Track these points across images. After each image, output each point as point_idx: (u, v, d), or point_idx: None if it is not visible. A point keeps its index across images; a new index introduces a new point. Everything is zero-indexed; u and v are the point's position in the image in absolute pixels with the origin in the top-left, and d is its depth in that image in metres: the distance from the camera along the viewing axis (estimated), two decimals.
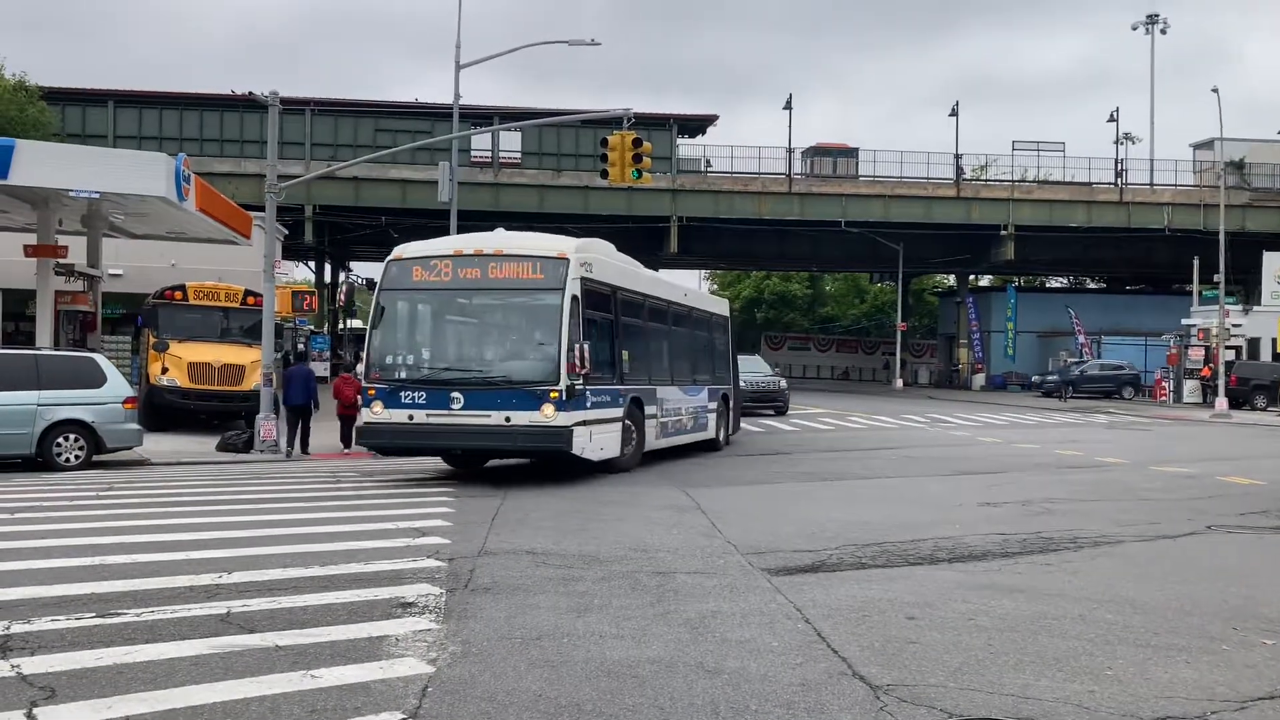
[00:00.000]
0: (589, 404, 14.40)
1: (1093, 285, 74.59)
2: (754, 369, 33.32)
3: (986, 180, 56.56)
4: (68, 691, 4.87)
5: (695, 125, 51.99)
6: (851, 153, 54.67)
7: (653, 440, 17.26)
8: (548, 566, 8.23)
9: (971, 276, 66.93)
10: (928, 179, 52.81)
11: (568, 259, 14.31)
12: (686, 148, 51.72)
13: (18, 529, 9.67)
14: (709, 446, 20.46)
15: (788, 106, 53.06)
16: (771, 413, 32.50)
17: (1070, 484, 15.26)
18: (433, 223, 38.94)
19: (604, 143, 21.35)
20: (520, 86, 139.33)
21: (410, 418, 13.96)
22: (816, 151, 53.98)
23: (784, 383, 34.12)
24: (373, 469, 16.77)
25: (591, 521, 10.82)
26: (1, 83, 38.17)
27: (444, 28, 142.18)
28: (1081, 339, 53.98)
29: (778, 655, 5.81)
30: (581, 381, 14.05)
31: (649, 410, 17.04)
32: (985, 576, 8.18)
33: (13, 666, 5.23)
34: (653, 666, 5.53)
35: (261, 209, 27.12)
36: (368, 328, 15.00)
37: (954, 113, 54.68)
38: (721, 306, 23.85)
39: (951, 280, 70.56)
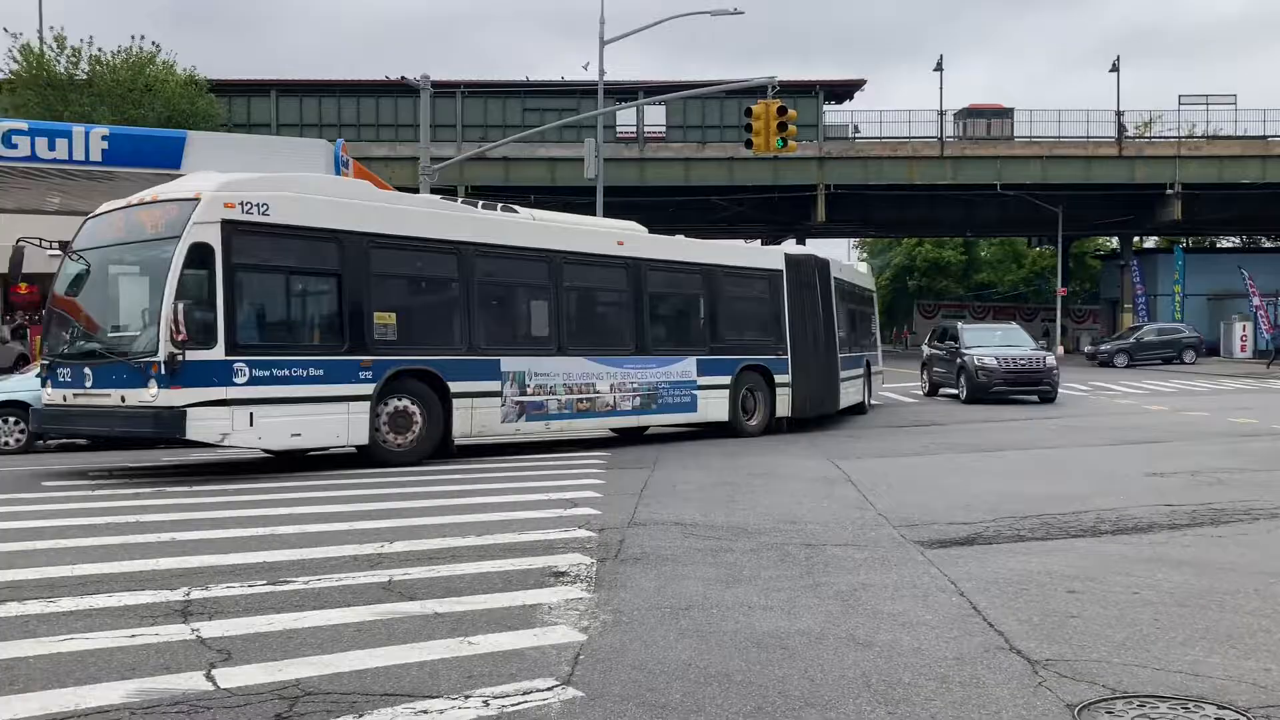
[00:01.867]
0: (245, 379, 11.74)
1: (1268, 244, 70.53)
2: (1008, 341, 27.25)
3: (1150, 138, 53.96)
4: (242, 654, 5.13)
5: (842, 91, 51.11)
6: (1006, 113, 52.88)
7: (495, 425, 14.37)
8: (696, 538, 8.26)
9: (1136, 238, 64.10)
10: (1087, 138, 50.75)
11: (199, 199, 11.68)
12: (833, 114, 50.93)
13: (196, 501, 10.21)
14: (728, 430, 17.69)
15: (938, 68, 51.67)
16: (1036, 399, 25.86)
17: (1244, 453, 14.52)
18: (580, 199, 39.41)
19: (748, 112, 21.21)
20: (664, 60, 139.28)
21: (64, 398, 12.35)
22: (969, 113, 52.42)
23: (1051, 359, 26.33)
24: (522, 440, 17.11)
25: (740, 493, 10.81)
26: (174, 77, 40.16)
27: (588, 6, 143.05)
28: (1256, 301, 51.09)
29: (931, 629, 5.70)
30: (223, 351, 11.53)
31: (472, 388, 13.99)
32: (1151, 549, 7.86)
33: (193, 630, 5.54)
34: (802, 638, 5.50)
35: (417, 191, 27.96)
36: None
37: (1115, 68, 52.29)
38: (775, 260, 19.18)
39: (1114, 243, 67.66)
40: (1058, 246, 59.26)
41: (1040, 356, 26.25)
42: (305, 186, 12.91)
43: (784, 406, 18.70)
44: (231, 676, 4.81)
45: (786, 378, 18.70)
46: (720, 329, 17.75)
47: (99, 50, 38.73)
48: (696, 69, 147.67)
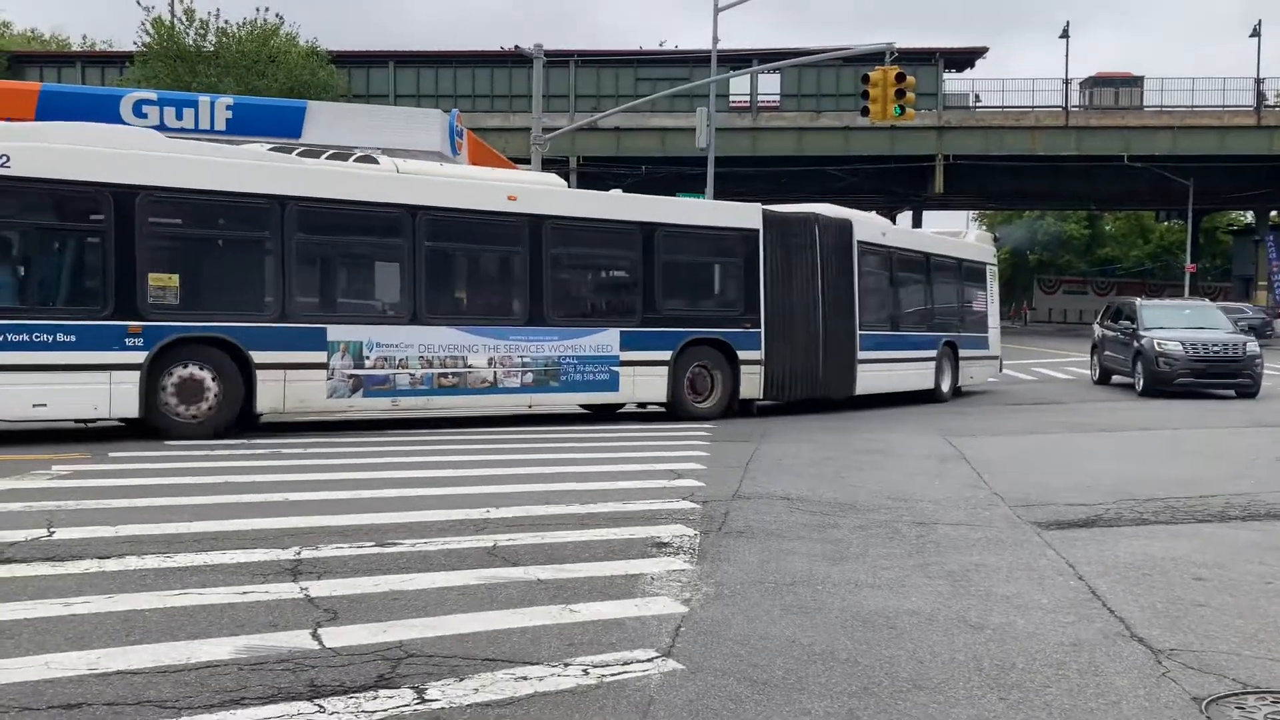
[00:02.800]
0: None
1: None
2: (1198, 322, 23.07)
3: None
4: (348, 614, 5.18)
5: (962, 59, 49.81)
6: (1135, 81, 50.91)
7: (318, 400, 12.97)
8: (802, 512, 8.12)
9: (1273, 213, 61.19)
10: (1223, 107, 48.59)
11: None
12: (953, 83, 49.71)
13: (308, 463, 10.42)
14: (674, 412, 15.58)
15: (1064, 35, 49.92)
16: (1233, 394, 21.66)
17: None
18: (691, 170, 39.21)
19: (865, 79, 20.75)
20: (778, 27, 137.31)
21: None
22: (1096, 82, 50.60)
23: (1254, 345, 21.94)
24: (629, 410, 17.10)
25: (849, 469, 10.62)
26: (296, 49, 41.09)
27: None
28: None
29: (1047, 613, 5.49)
30: None
31: (284, 358, 12.61)
32: None
33: (301, 589, 5.62)
34: (911, 618, 5.34)
35: (529, 161, 28.09)
36: None
37: (1255, 33, 49.87)
38: (747, 219, 16.40)
39: (1249, 217, 64.73)
40: (1188, 221, 57.00)
41: (1239, 342, 21.77)
42: (67, 136, 11.72)
43: (752, 387, 16.13)
44: (337, 636, 4.86)
45: (756, 354, 16.11)
46: (658, 297, 15.32)
47: (226, 23, 39.86)
48: (811, 37, 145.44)
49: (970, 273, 22.04)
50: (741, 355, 15.99)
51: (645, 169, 46.17)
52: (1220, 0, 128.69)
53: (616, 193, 16.78)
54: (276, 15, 41.36)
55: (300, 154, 13.96)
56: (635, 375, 15.10)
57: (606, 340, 14.84)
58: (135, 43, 41.08)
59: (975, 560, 6.64)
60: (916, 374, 19.54)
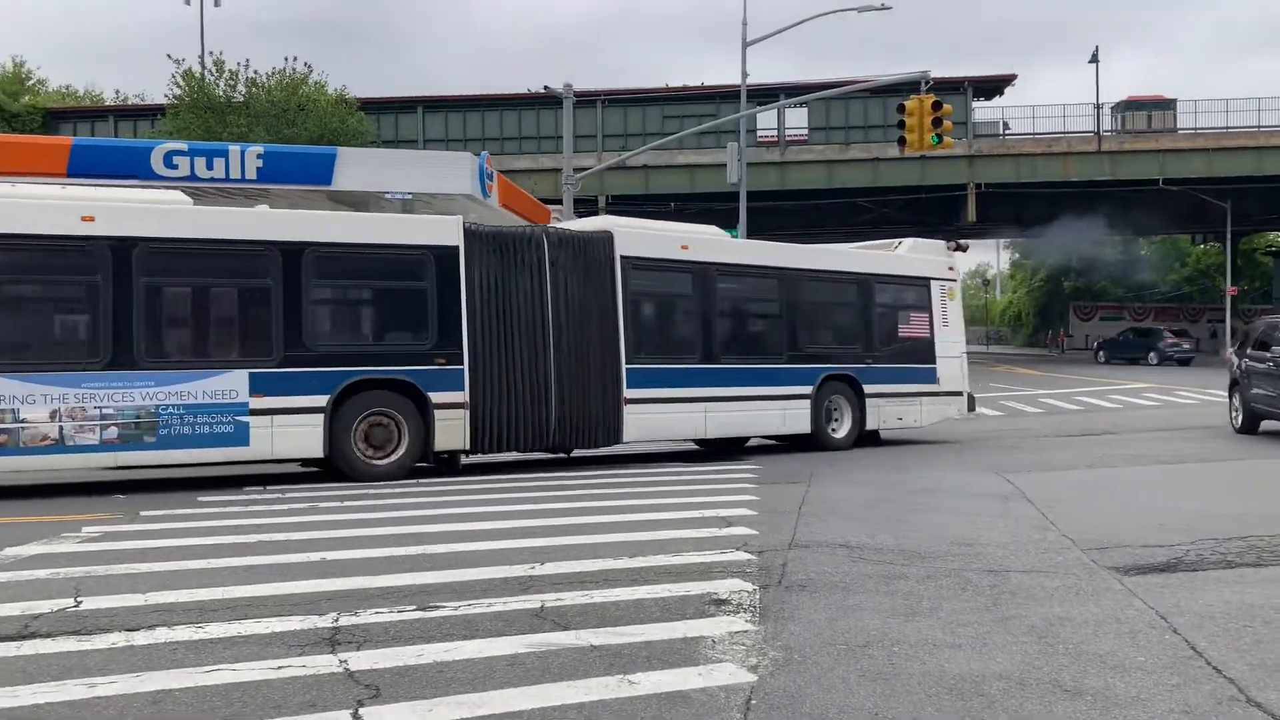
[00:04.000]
0: None
1: None
2: None
3: None
4: (390, 691, 4.82)
5: (991, 87, 49.46)
6: (1168, 104, 50.32)
7: None
8: (865, 562, 7.69)
9: None
10: (1258, 128, 47.89)
11: None
12: (982, 111, 49.31)
13: (347, 518, 10.09)
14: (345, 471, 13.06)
15: (1094, 60, 49.57)
16: None
17: None
18: (720, 205, 38.97)
19: (900, 108, 20.44)
20: (803, 62, 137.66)
21: None
22: (1128, 106, 50.07)
23: None
24: (672, 451, 16.70)
25: (907, 511, 10.17)
26: (325, 97, 41.29)
27: (724, 13, 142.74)
28: None
29: (1147, 673, 5.04)
30: None
31: None
32: None
33: (340, 662, 5.26)
34: (1000, 683, 4.90)
35: (559, 202, 27.92)
36: None
37: None
38: (440, 234, 13.73)
39: None
40: (1226, 244, 56.11)
41: None
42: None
43: (452, 437, 13.46)
44: (379, 715, 4.50)
45: (457, 396, 13.40)
46: (306, 331, 12.93)
47: (255, 73, 40.09)
48: (836, 70, 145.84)
49: (896, 291, 18.12)
50: (435, 398, 13.27)
51: (674, 206, 46.01)
52: (1250, 19, 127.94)
53: (262, 208, 14.36)
54: (305, 64, 41.60)
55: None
56: (274, 427, 12.60)
57: (228, 384, 12.42)
58: (166, 95, 41.37)
59: (1058, 612, 6.20)
60: (770, 416, 16.26)
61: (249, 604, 6.44)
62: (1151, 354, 52.35)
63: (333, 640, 5.66)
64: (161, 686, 4.89)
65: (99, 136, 43.37)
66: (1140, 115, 49.69)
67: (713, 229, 17.93)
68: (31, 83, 59.50)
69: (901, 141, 20.39)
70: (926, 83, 21.11)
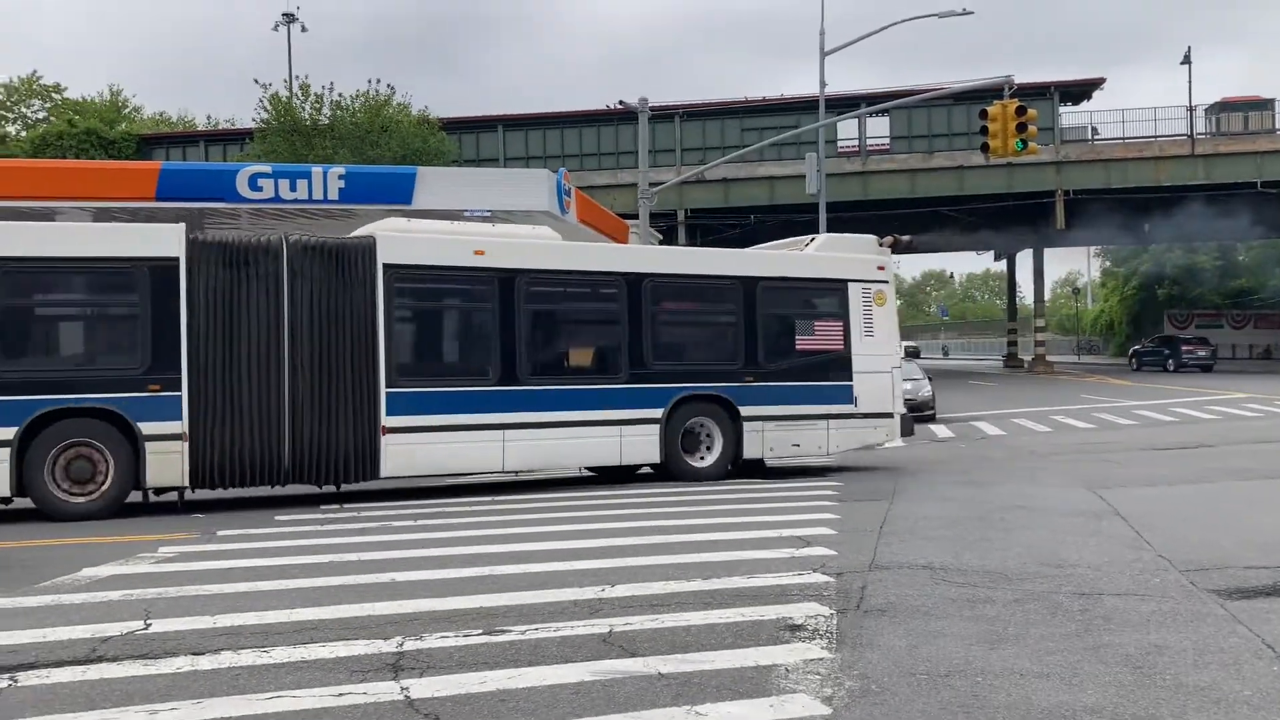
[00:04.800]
0: None
1: None
2: None
3: None
4: None
5: (1078, 91, 48.28)
6: (1265, 104, 48.58)
7: None
8: (948, 584, 7.37)
9: None
10: None
11: None
12: (1069, 116, 48.16)
13: (418, 537, 10.04)
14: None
15: (1186, 60, 48.15)
16: None
17: None
18: (800, 217, 38.58)
19: (983, 114, 19.97)
20: (881, 70, 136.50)
21: None
22: (1223, 107, 48.45)
23: None
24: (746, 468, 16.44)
25: (993, 530, 9.79)
26: (408, 118, 41.84)
27: (799, 23, 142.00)
28: None
29: (1255, 709, 4.68)
30: None
31: None
32: None
33: (402, 689, 5.14)
34: (1091, 717, 4.59)
35: (637, 216, 27.84)
36: None
37: None
38: (150, 244, 12.41)
39: None
40: None
41: None
42: None
43: (168, 472, 12.00)
44: None
45: (172, 427, 11.92)
46: None
47: (340, 96, 40.81)
48: (916, 77, 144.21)
49: (795, 296, 15.75)
50: (146, 429, 11.85)
51: (754, 218, 45.69)
52: None
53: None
54: (388, 86, 42.22)
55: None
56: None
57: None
58: (254, 119, 42.32)
59: (1154, 640, 5.84)
60: (599, 444, 14.22)
61: (315, 627, 6.37)
62: (1169, 361, 53.16)
63: (396, 666, 5.54)
64: (222, 715, 4.81)
65: (190, 161, 44.51)
66: (1236, 116, 48.05)
67: (545, 230, 15.60)
68: (127, 110, 61.47)
69: (985, 148, 19.91)
70: (1010, 88, 20.61)
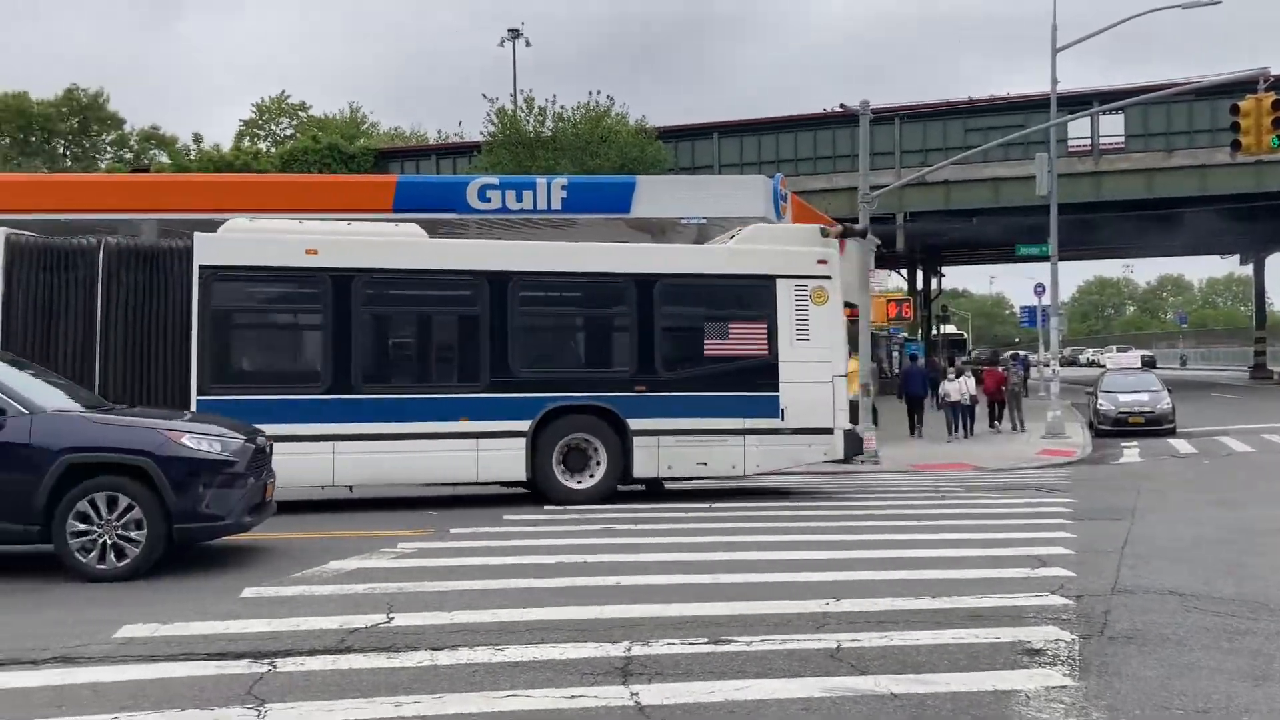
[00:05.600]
0: None
1: None
2: None
3: None
4: None
5: None
6: None
7: None
8: (1200, 612, 6.89)
9: None
10: None
11: None
12: None
13: (640, 541, 10.15)
14: None
15: None
16: None
17: None
18: (1027, 219, 37.09)
19: (1234, 109, 18.64)
20: (1111, 66, 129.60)
21: None
22: None
23: None
24: (976, 483, 15.88)
25: (1248, 555, 9.11)
26: (626, 128, 42.60)
27: (1021, 22, 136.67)
28: None
29: None
30: None
31: None
32: None
33: (631, 694, 5.19)
34: None
35: (853, 220, 27.41)
36: None
37: None
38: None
39: None
40: None
41: None
42: None
43: None
44: None
45: None
46: None
47: (562, 108, 41.94)
48: (1151, 72, 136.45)
49: (707, 294, 13.88)
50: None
51: (975, 220, 44.22)
52: None
53: None
54: (608, 97, 43.09)
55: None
56: None
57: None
58: (482, 133, 43.99)
59: None
60: (451, 458, 12.79)
61: (545, 627, 6.52)
62: None
63: (625, 670, 5.61)
64: (461, 710, 4.99)
65: (422, 174, 46.67)
66: None
67: (412, 229, 14.12)
68: (365, 127, 65.06)
69: (1235, 145, 18.55)
70: (1265, 80, 19.15)
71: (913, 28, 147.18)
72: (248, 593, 7.62)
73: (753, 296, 13.74)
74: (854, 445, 14.24)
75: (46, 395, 8.68)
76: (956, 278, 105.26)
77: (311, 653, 5.95)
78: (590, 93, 43.70)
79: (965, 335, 59.92)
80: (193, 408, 11.96)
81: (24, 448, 8.11)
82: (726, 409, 13.43)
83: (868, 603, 7.19)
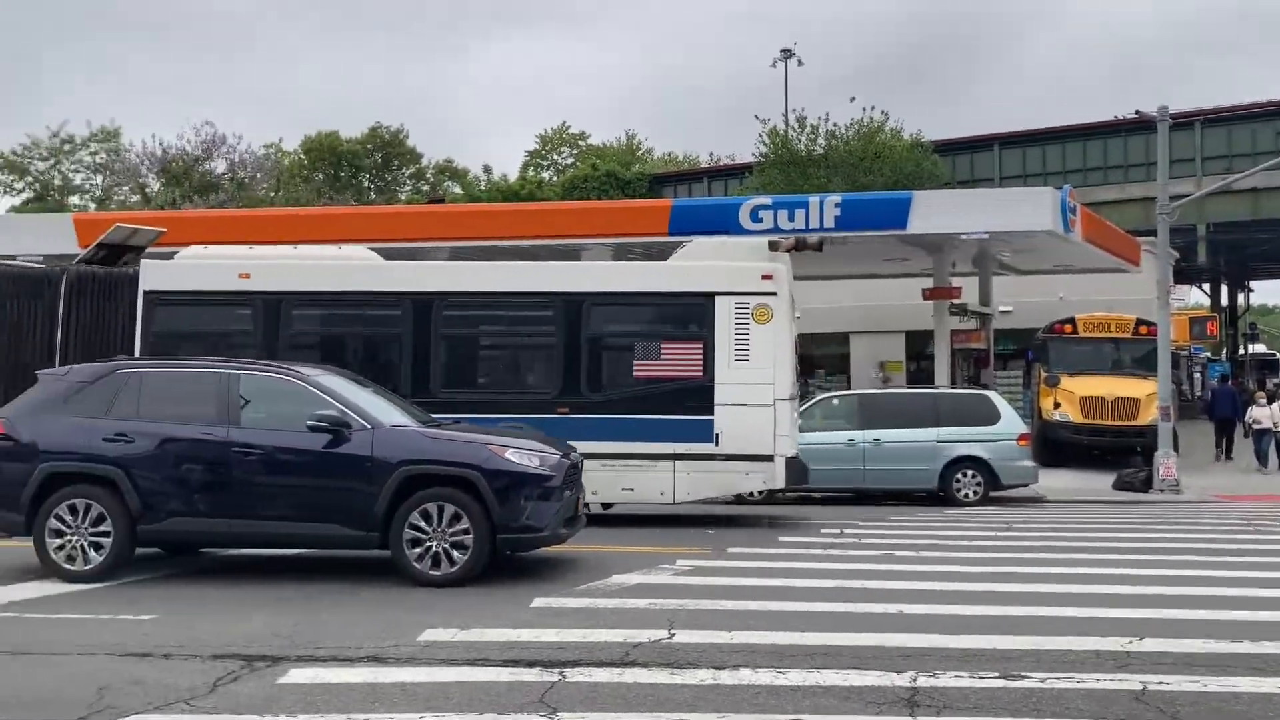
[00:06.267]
0: None
1: None
2: None
3: None
4: None
5: None
6: None
7: None
8: None
9: None
10: None
11: None
12: None
13: (922, 569, 9.87)
14: None
15: None
16: None
17: None
18: None
19: None
20: None
21: None
22: None
23: None
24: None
25: None
26: (900, 143, 41.82)
27: None
28: None
29: None
30: None
31: None
32: None
33: None
34: None
35: (1148, 233, 25.73)
36: None
37: None
38: None
39: None
40: None
41: None
42: None
43: None
44: None
45: None
46: None
47: (834, 125, 41.64)
48: None
49: (635, 314, 13.54)
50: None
51: None
52: None
53: None
54: (881, 112, 42.40)
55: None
56: None
57: None
58: (753, 154, 44.30)
59: None
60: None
61: (826, 653, 6.43)
62: None
63: (911, 702, 5.45)
64: None
65: (695, 197, 47.46)
66: None
67: (364, 252, 14.23)
68: (640, 152, 66.89)
69: None
70: None
71: (1217, 23, 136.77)
72: (537, 602, 7.94)
73: (689, 315, 13.18)
74: (797, 474, 13.19)
75: (385, 411, 9.35)
76: (1267, 293, 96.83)
77: (598, 664, 6.12)
78: (863, 109, 43.03)
79: (1278, 355, 54.97)
80: None
81: (367, 460, 8.76)
82: (655, 433, 12.79)
83: (1175, 643, 6.68)
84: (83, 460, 8.97)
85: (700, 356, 12.90)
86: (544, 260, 16.14)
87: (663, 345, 13.07)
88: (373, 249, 14.62)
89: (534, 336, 13.70)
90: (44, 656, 6.40)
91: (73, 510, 8.83)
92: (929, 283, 24.53)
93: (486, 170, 66.78)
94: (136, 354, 13.02)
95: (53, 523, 8.84)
